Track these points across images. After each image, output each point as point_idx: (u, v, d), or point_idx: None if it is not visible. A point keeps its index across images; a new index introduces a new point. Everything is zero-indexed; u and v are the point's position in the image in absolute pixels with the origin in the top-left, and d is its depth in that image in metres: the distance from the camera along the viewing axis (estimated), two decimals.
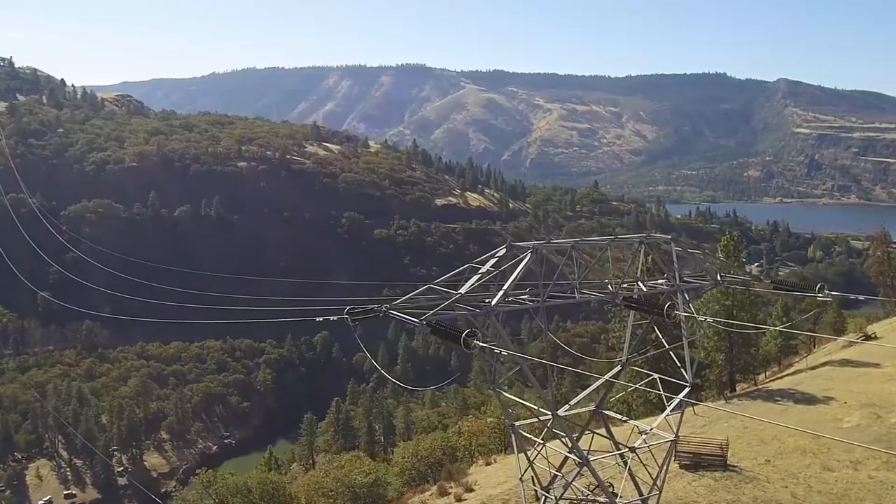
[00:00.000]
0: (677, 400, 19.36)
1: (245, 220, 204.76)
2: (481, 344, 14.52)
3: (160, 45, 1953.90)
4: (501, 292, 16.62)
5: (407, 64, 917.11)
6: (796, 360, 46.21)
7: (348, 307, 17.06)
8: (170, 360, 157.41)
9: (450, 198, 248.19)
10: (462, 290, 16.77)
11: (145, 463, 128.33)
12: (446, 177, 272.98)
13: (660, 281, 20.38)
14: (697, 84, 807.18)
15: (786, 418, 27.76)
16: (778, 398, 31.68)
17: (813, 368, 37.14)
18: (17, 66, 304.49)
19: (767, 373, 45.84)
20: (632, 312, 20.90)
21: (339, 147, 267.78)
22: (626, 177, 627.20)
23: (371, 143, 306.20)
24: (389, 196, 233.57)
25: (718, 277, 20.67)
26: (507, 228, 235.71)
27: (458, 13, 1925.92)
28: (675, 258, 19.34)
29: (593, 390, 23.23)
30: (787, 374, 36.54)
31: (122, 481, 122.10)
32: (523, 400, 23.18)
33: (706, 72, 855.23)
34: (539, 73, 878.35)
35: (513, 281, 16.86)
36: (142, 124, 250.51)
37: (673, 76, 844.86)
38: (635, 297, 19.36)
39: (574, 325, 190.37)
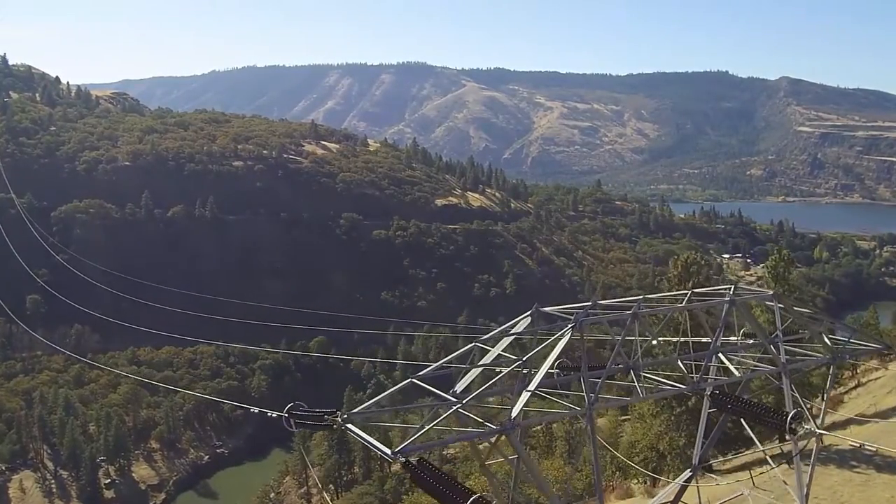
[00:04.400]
0: None
1: (240, 220, 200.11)
2: None
3: (161, 43, 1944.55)
4: (525, 397, 11.63)
5: (408, 62, 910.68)
6: (842, 390, 41.14)
7: (290, 405, 12.30)
8: (161, 366, 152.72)
9: (450, 198, 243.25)
10: (458, 388, 11.89)
11: (133, 475, 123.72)
12: (447, 176, 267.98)
13: (753, 356, 15.19)
14: (699, 82, 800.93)
15: (871, 494, 22.68)
16: (854, 463, 26.37)
17: (885, 417, 31.83)
18: (11, 63, 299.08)
19: (814, 408, 40.62)
20: (706, 399, 15.47)
21: (337, 146, 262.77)
22: (628, 175, 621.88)
23: (370, 141, 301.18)
24: (389, 196, 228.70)
25: (828, 343, 15.47)
26: (510, 229, 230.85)
27: (459, 11, 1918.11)
28: (779, 324, 14.18)
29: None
30: (853, 420, 31.33)
31: (108, 494, 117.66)
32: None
33: (708, 70, 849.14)
34: (540, 72, 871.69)
35: (541, 378, 11.86)
36: (136, 122, 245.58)
37: (674, 74, 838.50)
38: (722, 389, 14.12)
39: None
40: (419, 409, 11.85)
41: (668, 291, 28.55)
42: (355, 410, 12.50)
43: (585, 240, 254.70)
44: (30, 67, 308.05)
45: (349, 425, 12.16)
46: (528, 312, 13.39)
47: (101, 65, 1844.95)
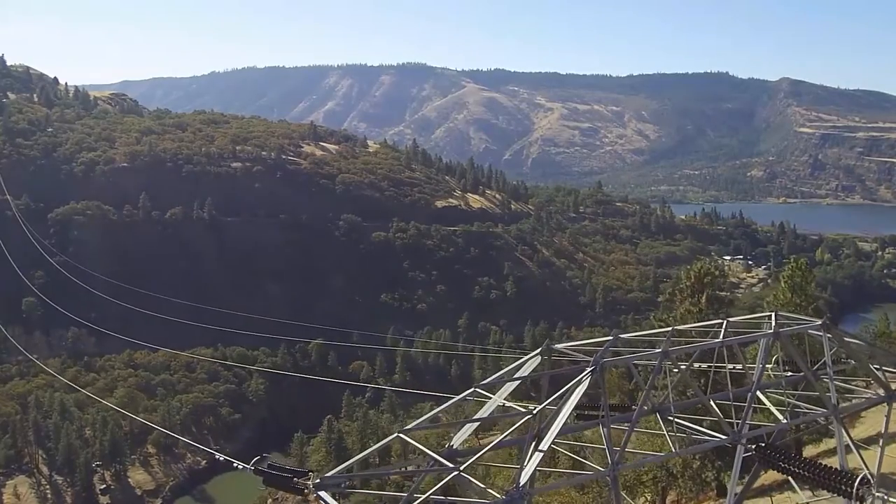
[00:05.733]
0: None
1: (239, 222, 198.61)
2: None
3: (160, 44, 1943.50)
4: (536, 458, 9.98)
5: (408, 63, 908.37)
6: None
7: (257, 458, 10.86)
8: (159, 369, 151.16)
9: (450, 199, 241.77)
10: (455, 442, 10.37)
11: (129, 480, 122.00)
12: (447, 177, 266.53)
13: (814, 408, 13.50)
14: (699, 83, 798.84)
15: None
16: (884, 491, 24.14)
17: None
18: (9, 63, 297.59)
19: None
20: (741, 446, 13.55)
21: (336, 147, 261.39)
22: (629, 176, 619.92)
23: (370, 142, 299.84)
24: (388, 197, 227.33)
25: (883, 379, 13.85)
26: (510, 231, 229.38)
27: (459, 12, 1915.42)
28: (829, 359, 12.57)
29: None
30: (872, 438, 29.45)
31: (104, 500, 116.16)
32: None
33: (708, 71, 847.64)
34: (540, 73, 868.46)
35: (555, 434, 10.18)
36: (134, 123, 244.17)
37: (675, 75, 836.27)
38: (769, 441, 12.46)
39: (578, 332, 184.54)
40: (408, 475, 10.24)
41: (680, 303, 27.02)
42: (330, 473, 11.06)
43: (586, 241, 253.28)
44: (27, 68, 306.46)
45: (322, 493, 10.71)
46: (538, 351, 11.76)
47: (100, 66, 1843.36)
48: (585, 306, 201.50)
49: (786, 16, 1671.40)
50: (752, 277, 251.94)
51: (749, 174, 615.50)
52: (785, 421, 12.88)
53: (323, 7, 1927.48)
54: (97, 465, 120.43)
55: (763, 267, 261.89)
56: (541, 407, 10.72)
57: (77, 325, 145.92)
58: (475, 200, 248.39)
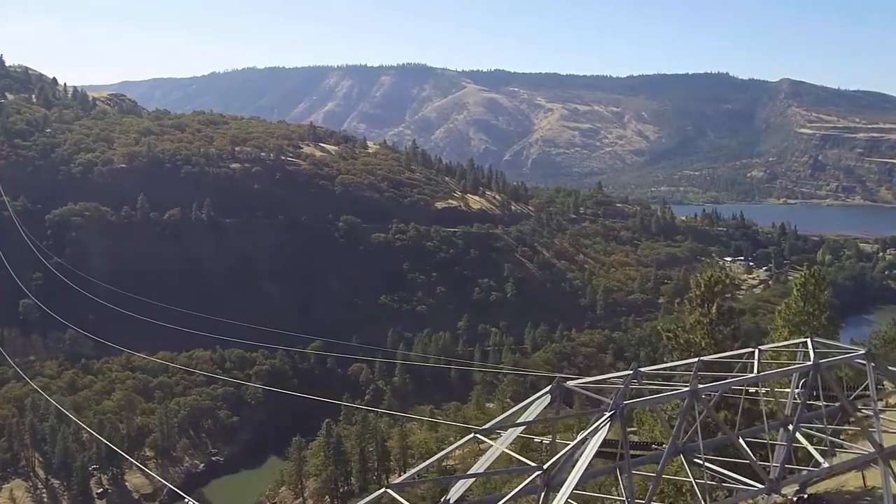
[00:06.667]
0: None
1: (238, 223, 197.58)
2: None
3: (160, 44, 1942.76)
4: None
5: (408, 63, 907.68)
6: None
7: None
8: (157, 371, 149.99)
9: (450, 200, 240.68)
10: (452, 496, 9.26)
11: (127, 483, 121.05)
12: (446, 178, 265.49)
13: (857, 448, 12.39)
14: (699, 84, 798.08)
15: None
16: None
17: None
18: (7, 64, 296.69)
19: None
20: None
21: (336, 148, 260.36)
22: (629, 177, 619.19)
23: (369, 143, 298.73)
24: (388, 198, 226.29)
25: None
26: (510, 232, 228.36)
27: (459, 12, 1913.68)
28: (874, 392, 11.49)
29: None
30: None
31: (100, 503, 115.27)
32: None
33: (708, 71, 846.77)
34: (540, 73, 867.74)
35: (569, 492, 8.94)
36: (133, 124, 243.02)
37: (675, 76, 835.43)
38: (804, 489, 11.29)
39: (579, 334, 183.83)
40: None
41: (690, 312, 26.10)
42: None
43: (587, 243, 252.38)
44: (26, 68, 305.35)
45: None
46: (547, 389, 10.54)
47: (100, 66, 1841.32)
48: (586, 308, 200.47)
49: (786, 16, 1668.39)
50: (754, 279, 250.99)
51: (749, 175, 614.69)
52: (826, 465, 11.78)
53: (323, 7, 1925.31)
54: (94, 469, 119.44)
55: (764, 268, 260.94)
56: (552, 461, 9.59)
57: (75, 326, 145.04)
58: (475, 201, 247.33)
